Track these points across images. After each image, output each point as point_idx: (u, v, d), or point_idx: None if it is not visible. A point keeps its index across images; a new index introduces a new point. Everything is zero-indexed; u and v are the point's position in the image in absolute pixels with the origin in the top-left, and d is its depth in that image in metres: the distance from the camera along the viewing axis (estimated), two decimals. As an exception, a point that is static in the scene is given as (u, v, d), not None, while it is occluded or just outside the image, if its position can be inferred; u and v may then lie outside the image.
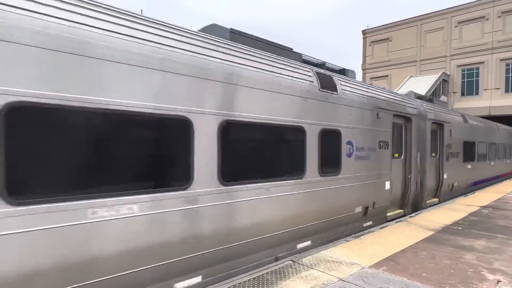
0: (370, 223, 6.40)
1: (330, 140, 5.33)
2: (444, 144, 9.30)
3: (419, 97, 9.67)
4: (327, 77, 5.48)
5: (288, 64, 4.89)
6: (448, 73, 37.14)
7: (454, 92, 36.95)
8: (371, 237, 5.35)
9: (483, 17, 34.97)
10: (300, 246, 4.94)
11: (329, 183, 5.28)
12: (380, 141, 6.56)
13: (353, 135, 5.83)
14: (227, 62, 3.96)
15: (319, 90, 5.15)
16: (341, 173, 5.51)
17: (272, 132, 4.45)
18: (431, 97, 11.28)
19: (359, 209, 6.02)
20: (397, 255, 4.50)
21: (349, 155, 5.72)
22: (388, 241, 5.14)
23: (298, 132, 4.80)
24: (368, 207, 6.22)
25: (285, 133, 4.62)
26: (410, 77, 38.98)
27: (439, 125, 9.16)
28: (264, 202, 4.29)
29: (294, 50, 5.61)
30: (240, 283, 3.57)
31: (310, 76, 5.13)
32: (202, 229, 3.64)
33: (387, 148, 6.80)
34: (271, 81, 4.44)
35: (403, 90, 36.24)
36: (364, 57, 44.30)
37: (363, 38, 44.43)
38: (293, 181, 4.71)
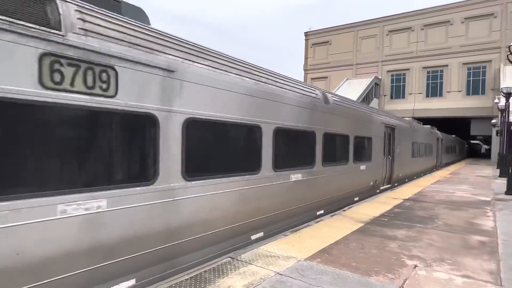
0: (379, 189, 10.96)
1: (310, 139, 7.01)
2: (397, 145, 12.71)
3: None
4: (326, 94, 7.65)
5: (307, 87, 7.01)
6: (380, 78, 40.25)
7: (384, 95, 40.27)
8: (308, 231, 5.58)
9: (410, 28, 38.53)
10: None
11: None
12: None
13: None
14: (278, 91, 5.71)
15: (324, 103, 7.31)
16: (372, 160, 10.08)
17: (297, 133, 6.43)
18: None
19: (372, 182, 10.27)
20: (331, 247, 4.75)
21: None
22: (323, 234, 5.41)
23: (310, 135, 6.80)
24: (376, 180, 10.58)
25: (301, 134, 6.45)
26: (346, 79, 41.48)
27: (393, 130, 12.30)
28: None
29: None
30: (176, 283, 3.46)
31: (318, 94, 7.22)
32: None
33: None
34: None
35: (338, 93, 38.47)
36: (306, 58, 46.08)
37: (305, 40, 46.13)
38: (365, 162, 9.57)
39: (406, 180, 14.03)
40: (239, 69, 4.90)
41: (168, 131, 3.77)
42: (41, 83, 2.72)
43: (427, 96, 37.63)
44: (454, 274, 3.87)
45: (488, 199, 9.52)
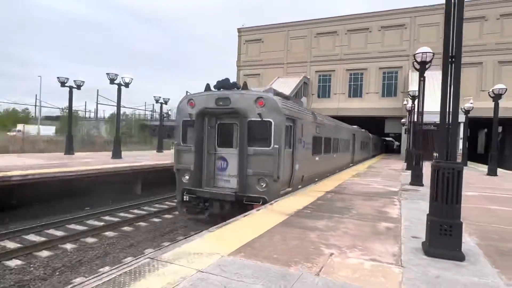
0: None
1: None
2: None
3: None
4: (314, 113, 12.63)
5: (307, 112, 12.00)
6: (309, 77, 42.36)
7: (312, 94, 42.54)
8: (234, 226, 5.59)
9: (335, 32, 41.19)
10: None
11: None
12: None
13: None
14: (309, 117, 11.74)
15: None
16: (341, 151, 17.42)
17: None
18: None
19: (349, 162, 19.92)
20: (254, 240, 4.82)
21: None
22: (249, 228, 5.47)
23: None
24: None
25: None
26: (278, 78, 42.76)
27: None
28: None
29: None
30: (85, 290, 3.14)
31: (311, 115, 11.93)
32: None
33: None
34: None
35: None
36: (239, 54, 46.31)
37: (238, 36, 46.28)
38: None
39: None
40: (303, 115, 10.63)
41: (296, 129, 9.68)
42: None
43: (349, 96, 40.84)
44: (364, 258, 4.22)
45: (396, 189, 10.69)
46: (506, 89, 16.38)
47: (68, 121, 19.29)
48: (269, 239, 4.92)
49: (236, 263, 3.92)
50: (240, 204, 8.46)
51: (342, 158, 18.36)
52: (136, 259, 4.05)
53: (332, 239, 5.01)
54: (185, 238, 5.16)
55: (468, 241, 5.09)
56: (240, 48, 46.11)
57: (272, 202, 7.82)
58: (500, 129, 38.39)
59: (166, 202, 13.65)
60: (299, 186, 10.30)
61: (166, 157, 19.71)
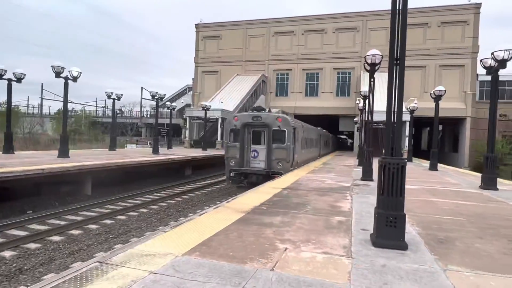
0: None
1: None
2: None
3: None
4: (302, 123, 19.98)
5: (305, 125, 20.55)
6: (267, 76, 42.81)
7: (270, 92, 43.07)
8: (190, 225, 5.49)
9: (292, 32, 42.03)
10: None
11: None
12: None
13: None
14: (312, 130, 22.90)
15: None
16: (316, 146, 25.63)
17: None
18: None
19: (317, 154, 26.32)
20: (210, 239, 4.77)
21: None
22: (205, 226, 5.41)
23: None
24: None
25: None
26: (236, 75, 42.68)
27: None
28: None
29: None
30: (23, 301, 2.89)
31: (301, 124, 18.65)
32: None
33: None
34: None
35: (228, 88, 39.36)
36: (197, 50, 45.53)
37: (196, 32, 45.47)
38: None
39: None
40: (298, 125, 16.83)
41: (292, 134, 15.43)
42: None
43: (306, 95, 42.01)
44: (317, 252, 4.36)
45: (348, 184, 11.20)
46: (446, 91, 17.87)
47: (6, 117, 17.64)
48: (226, 237, 4.90)
49: (191, 262, 3.85)
50: (267, 176, 14.59)
51: (315, 152, 25.05)
52: (83, 264, 3.81)
53: (287, 235, 5.12)
54: (139, 239, 4.96)
55: (411, 231, 5.48)
56: (198, 45, 45.35)
57: (229, 199, 7.82)
58: (440, 127, 41.85)
59: (119, 203, 13.04)
60: (296, 167, 16.39)
61: (119, 156, 18.82)
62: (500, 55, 9.83)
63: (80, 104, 73.44)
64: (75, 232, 9.34)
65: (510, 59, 9.82)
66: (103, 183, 15.14)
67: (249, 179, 15.49)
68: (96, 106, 78.90)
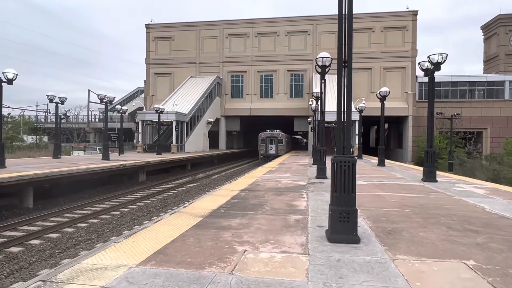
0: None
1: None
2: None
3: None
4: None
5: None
6: (221, 77, 42.62)
7: (225, 94, 42.93)
8: (144, 233, 5.26)
9: (246, 34, 42.31)
10: None
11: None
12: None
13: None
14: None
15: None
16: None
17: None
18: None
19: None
20: (167, 246, 4.61)
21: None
22: (161, 234, 5.22)
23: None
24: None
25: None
26: (190, 77, 41.94)
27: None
28: None
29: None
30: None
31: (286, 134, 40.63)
32: None
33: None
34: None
35: (182, 90, 38.65)
36: (148, 52, 44.01)
37: (146, 32, 43.94)
38: None
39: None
40: (285, 136, 39.84)
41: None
42: None
43: (261, 96, 42.52)
44: (275, 251, 4.41)
45: (304, 183, 11.52)
46: (390, 91, 19.15)
47: None
48: (183, 243, 4.76)
49: (146, 273, 3.69)
50: (276, 156, 34.45)
51: (289, 147, 40.76)
52: (24, 284, 3.47)
53: (246, 236, 5.11)
54: (88, 252, 4.64)
55: (363, 225, 5.77)
56: (149, 46, 43.85)
57: (186, 204, 7.63)
58: (386, 126, 44.75)
59: (66, 214, 12.13)
60: (286, 153, 36.88)
61: (64, 164, 17.52)
62: (435, 58, 10.76)
63: (18, 108, 67.24)
64: (15, 249, 8.51)
65: (443, 62, 10.79)
66: (47, 194, 14.01)
67: (268, 158, 34.05)
68: (36, 111, 72.78)
